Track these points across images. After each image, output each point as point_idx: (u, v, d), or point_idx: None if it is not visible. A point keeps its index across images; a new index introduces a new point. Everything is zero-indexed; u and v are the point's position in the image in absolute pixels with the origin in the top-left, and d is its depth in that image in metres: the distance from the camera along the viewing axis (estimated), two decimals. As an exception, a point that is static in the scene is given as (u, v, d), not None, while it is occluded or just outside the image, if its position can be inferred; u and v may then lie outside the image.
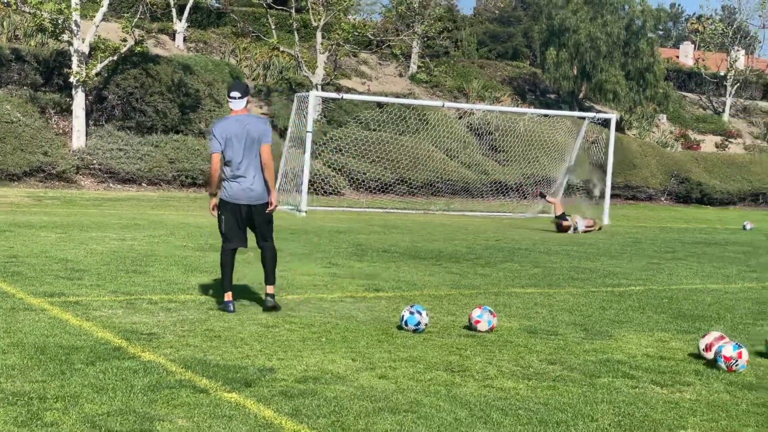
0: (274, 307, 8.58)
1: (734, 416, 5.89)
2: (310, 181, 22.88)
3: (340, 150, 28.19)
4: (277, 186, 23.56)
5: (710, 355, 7.23)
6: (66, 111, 26.50)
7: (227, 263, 8.65)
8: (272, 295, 8.66)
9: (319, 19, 31.22)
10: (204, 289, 9.62)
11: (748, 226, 24.74)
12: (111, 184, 25.24)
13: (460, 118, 34.92)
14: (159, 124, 27.09)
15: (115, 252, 12.24)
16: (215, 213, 8.73)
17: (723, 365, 6.99)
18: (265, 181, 8.55)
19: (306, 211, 21.52)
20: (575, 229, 19.89)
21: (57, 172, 24.56)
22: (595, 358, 7.36)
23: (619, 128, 41.04)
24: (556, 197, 22.23)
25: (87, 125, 25.98)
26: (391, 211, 24.06)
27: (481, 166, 31.50)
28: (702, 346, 7.38)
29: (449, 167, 30.17)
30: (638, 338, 8.28)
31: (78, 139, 25.64)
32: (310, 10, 31.70)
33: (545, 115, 30.05)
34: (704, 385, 6.65)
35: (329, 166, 27.88)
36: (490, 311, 8.23)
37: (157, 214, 18.71)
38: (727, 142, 45.99)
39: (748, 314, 9.96)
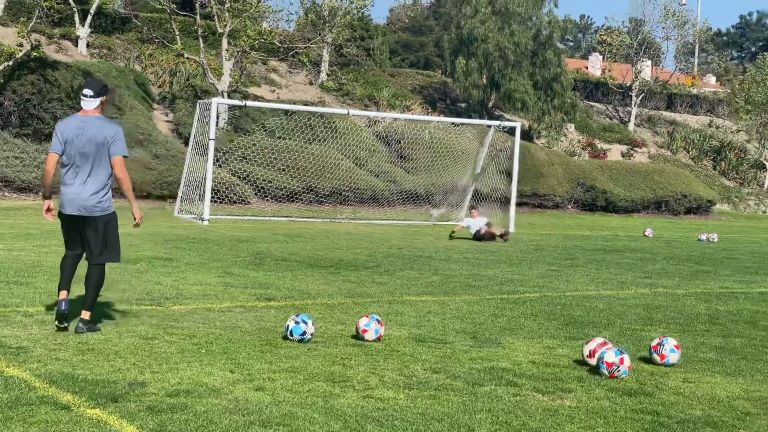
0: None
1: (611, 423, 5.86)
2: (214, 189, 22.52)
3: (246, 158, 27.83)
4: (179, 194, 23.31)
5: (593, 362, 7.22)
6: (-40, 118, 25.63)
7: (65, 266, 7.96)
8: (86, 321, 7.68)
9: (225, 26, 30.82)
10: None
11: (647, 232, 25.22)
12: (6, 193, 24.43)
13: (369, 126, 34.88)
14: (58, 132, 26.32)
15: (-2, 263, 11.77)
16: (49, 217, 8.07)
17: (605, 371, 6.98)
18: (104, 192, 7.85)
19: (209, 220, 21.15)
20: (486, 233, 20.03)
21: (-51, 181, 23.71)
22: (480, 366, 7.28)
23: (528, 137, 41.64)
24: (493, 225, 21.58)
25: (-18, 132, 25.14)
26: (297, 219, 23.82)
27: (389, 175, 31.47)
28: (585, 352, 7.36)
29: (357, 175, 30.06)
30: (526, 345, 8.23)
31: (-28, 147, 24.78)
32: (216, 17, 31.27)
33: (452, 124, 30.17)
34: (585, 391, 6.61)
35: (235, 175, 27.49)
36: (377, 320, 8.09)
37: (53, 224, 18.06)
38: (632, 151, 47.00)
39: (638, 320, 10.04)
